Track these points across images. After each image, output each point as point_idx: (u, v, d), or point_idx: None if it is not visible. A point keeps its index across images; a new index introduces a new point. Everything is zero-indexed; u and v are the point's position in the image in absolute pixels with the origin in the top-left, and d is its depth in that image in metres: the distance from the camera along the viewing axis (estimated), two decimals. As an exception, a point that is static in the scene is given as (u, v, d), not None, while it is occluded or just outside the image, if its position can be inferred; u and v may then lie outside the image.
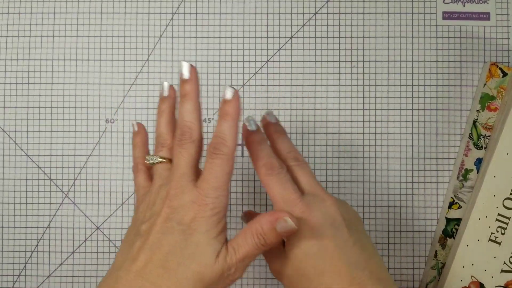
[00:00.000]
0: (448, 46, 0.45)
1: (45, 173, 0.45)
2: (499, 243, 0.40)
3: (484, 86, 0.44)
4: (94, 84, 0.45)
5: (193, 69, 0.31)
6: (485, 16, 0.45)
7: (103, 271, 0.44)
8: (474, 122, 0.44)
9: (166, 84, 0.35)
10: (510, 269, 0.40)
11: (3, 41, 0.46)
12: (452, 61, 0.45)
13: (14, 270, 0.45)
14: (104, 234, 0.44)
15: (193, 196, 0.29)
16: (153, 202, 0.31)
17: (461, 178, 0.44)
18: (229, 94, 0.30)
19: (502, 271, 0.40)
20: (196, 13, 0.46)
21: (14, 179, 0.45)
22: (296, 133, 0.45)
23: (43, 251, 0.45)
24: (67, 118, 0.45)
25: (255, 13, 0.46)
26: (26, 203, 0.45)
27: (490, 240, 0.41)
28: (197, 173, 0.31)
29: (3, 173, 0.45)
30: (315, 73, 0.45)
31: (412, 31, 0.45)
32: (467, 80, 0.45)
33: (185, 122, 0.31)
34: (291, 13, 0.46)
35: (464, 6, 0.46)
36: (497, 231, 0.40)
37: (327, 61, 0.45)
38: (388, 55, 0.45)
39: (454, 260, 0.41)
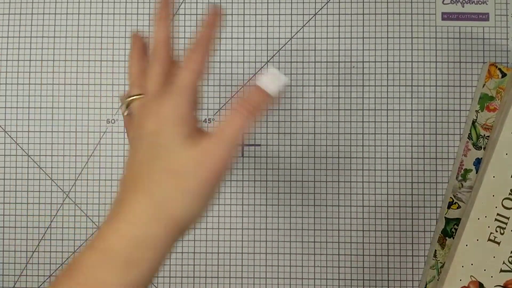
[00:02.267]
0: (447, 46, 0.45)
1: (46, 173, 0.45)
2: (498, 243, 0.41)
3: (483, 86, 0.44)
4: (95, 85, 0.46)
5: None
6: (484, 17, 0.46)
7: (104, 271, 0.44)
8: (473, 122, 0.44)
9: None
10: (509, 269, 0.40)
11: (4, 41, 0.46)
12: (451, 62, 0.45)
13: (16, 270, 0.45)
14: (105, 234, 0.45)
15: (165, 97, 0.29)
16: (142, 110, 0.30)
17: (460, 178, 0.44)
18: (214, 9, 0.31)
19: (501, 270, 0.41)
20: (196, 14, 0.46)
21: (16, 179, 0.45)
22: (296, 133, 0.45)
23: (44, 251, 0.45)
24: (68, 119, 0.45)
25: (255, 14, 0.46)
26: (27, 203, 0.45)
27: (489, 240, 0.41)
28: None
29: (4, 173, 0.45)
30: (314, 74, 0.45)
31: (412, 31, 0.46)
32: (466, 80, 0.45)
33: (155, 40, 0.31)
34: (291, 14, 0.46)
35: (463, 7, 0.46)
36: (496, 231, 0.41)
37: (326, 62, 0.45)
38: (387, 55, 0.45)
39: (454, 260, 0.41)
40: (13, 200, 0.45)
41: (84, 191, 0.45)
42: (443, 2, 0.46)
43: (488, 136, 0.43)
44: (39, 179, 0.45)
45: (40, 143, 0.45)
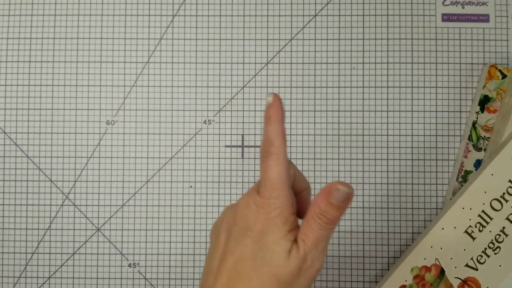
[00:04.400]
0: (447, 48, 0.45)
1: (45, 175, 0.45)
2: (473, 238, 0.40)
3: (484, 88, 0.44)
4: (95, 86, 0.46)
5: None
6: (485, 18, 0.46)
7: (103, 273, 0.44)
8: (474, 123, 0.44)
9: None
10: (474, 267, 0.40)
11: (3, 43, 0.46)
12: (451, 63, 0.45)
13: (15, 272, 0.45)
14: (105, 236, 0.45)
15: (256, 201, 0.30)
16: (242, 213, 0.32)
17: (460, 179, 0.44)
18: (270, 98, 0.31)
19: (467, 265, 0.40)
20: (196, 15, 0.46)
21: (15, 180, 0.45)
22: (296, 134, 0.45)
23: (44, 253, 0.45)
24: (68, 120, 0.45)
25: (255, 15, 0.46)
26: (27, 205, 0.45)
27: (466, 232, 0.40)
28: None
29: (3, 174, 0.45)
30: (315, 75, 0.45)
31: (412, 33, 0.45)
32: (466, 82, 0.45)
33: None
34: (291, 15, 0.46)
35: (463, 8, 0.46)
36: (476, 227, 0.40)
37: (326, 63, 0.45)
38: (387, 57, 0.45)
39: (425, 238, 0.41)
40: (13, 202, 0.45)
41: (83, 192, 0.45)
42: (443, 3, 0.46)
43: (489, 138, 0.43)
44: (39, 181, 0.45)
45: (39, 145, 0.45)
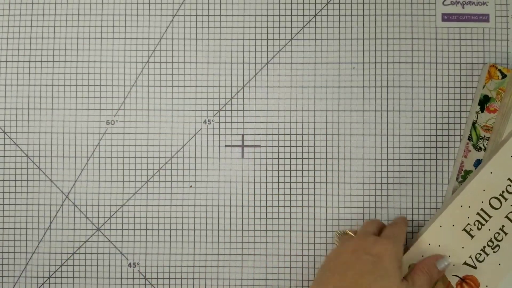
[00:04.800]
0: (447, 47, 0.45)
1: (45, 175, 0.45)
2: (472, 236, 0.40)
3: (484, 87, 0.44)
4: (95, 86, 0.46)
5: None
6: (485, 18, 0.46)
7: (103, 272, 0.44)
8: (474, 123, 0.44)
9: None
10: (473, 265, 0.40)
11: (3, 42, 0.46)
12: (451, 63, 0.45)
13: (15, 271, 0.45)
14: (105, 236, 0.45)
15: (376, 240, 0.38)
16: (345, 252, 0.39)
17: (460, 179, 0.44)
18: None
19: (465, 263, 0.40)
20: (196, 15, 0.46)
21: (15, 180, 0.45)
22: (296, 134, 0.45)
23: (44, 252, 0.45)
24: (68, 120, 0.45)
25: (255, 15, 0.46)
26: (27, 205, 0.45)
27: (464, 230, 0.40)
28: None
29: (3, 174, 0.45)
30: (314, 75, 0.45)
31: (412, 33, 0.45)
32: (466, 81, 0.45)
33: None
34: (291, 15, 0.46)
35: (463, 8, 0.46)
36: (474, 225, 0.40)
37: (326, 63, 0.45)
38: (387, 56, 0.45)
39: (424, 234, 0.41)
40: (13, 201, 0.45)
41: (83, 192, 0.45)
42: (443, 3, 0.46)
43: (489, 137, 0.43)
44: (39, 180, 0.45)
45: (39, 144, 0.45)
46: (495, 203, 0.40)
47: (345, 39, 0.46)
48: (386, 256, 0.36)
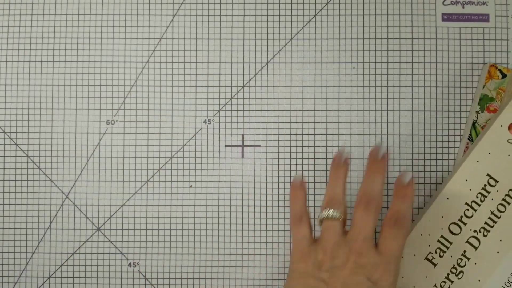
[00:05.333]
0: (447, 47, 0.45)
1: (45, 174, 0.45)
2: (435, 264, 0.39)
3: (483, 87, 0.44)
4: (95, 86, 0.46)
5: (386, 154, 0.37)
6: (485, 18, 0.46)
7: (103, 272, 0.44)
8: (474, 123, 0.44)
9: (340, 154, 0.39)
10: None
11: (3, 42, 0.46)
12: (451, 63, 0.45)
13: (15, 271, 0.45)
14: (105, 235, 0.45)
15: (378, 260, 0.34)
16: (334, 256, 0.35)
17: (460, 179, 0.44)
18: (407, 179, 0.36)
19: None
20: (196, 15, 0.46)
21: (15, 180, 0.45)
22: (296, 134, 0.45)
23: (44, 252, 0.45)
24: (68, 120, 0.45)
25: (255, 15, 0.46)
26: (27, 204, 0.45)
27: (426, 258, 0.39)
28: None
29: (3, 174, 0.45)
30: (315, 75, 0.45)
31: (412, 32, 0.46)
32: (466, 81, 0.45)
33: (373, 192, 0.35)
34: (291, 15, 0.46)
35: (463, 7, 0.46)
36: (436, 252, 0.39)
37: (326, 63, 0.45)
38: (387, 56, 0.45)
39: None
40: (13, 201, 0.45)
41: (83, 192, 0.45)
42: (443, 3, 0.46)
43: (489, 137, 0.43)
44: (39, 180, 0.45)
45: (39, 144, 0.45)
46: (455, 229, 0.40)
47: (345, 39, 0.46)
48: (385, 286, 0.34)
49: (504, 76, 0.43)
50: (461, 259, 0.39)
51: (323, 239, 0.36)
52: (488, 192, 0.40)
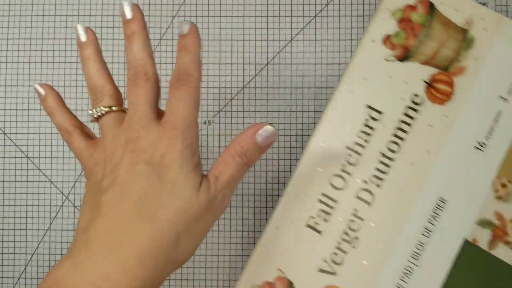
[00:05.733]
0: (447, 48, 0.45)
1: (45, 176, 0.45)
2: (319, 232, 0.30)
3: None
4: (95, 87, 0.46)
5: (135, 7, 0.29)
6: (485, 19, 0.46)
7: (103, 273, 0.44)
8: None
9: (80, 27, 0.31)
10: (331, 271, 0.30)
11: (3, 43, 0.46)
12: (451, 64, 0.45)
13: (15, 272, 0.45)
14: (104, 236, 0.45)
15: (160, 132, 0.27)
16: (111, 154, 0.27)
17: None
18: (187, 27, 0.28)
19: (321, 270, 0.30)
20: (196, 16, 0.46)
21: (15, 181, 0.45)
22: (296, 135, 0.45)
23: (44, 253, 0.45)
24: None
25: (255, 16, 0.46)
26: (27, 205, 0.45)
27: (308, 226, 0.31)
28: (158, 114, 0.29)
29: (3, 175, 0.45)
30: (315, 76, 0.45)
31: (412, 33, 0.45)
32: (466, 82, 0.45)
33: (137, 61, 0.28)
34: (291, 16, 0.46)
35: (463, 8, 0.46)
36: (319, 216, 0.30)
37: (327, 64, 0.45)
38: None
39: (259, 244, 0.31)
40: (12, 202, 0.45)
41: (83, 193, 0.45)
42: (443, 4, 0.46)
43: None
44: (38, 181, 0.45)
45: (39, 145, 0.45)
46: (338, 182, 0.31)
47: (345, 39, 0.46)
48: (172, 162, 0.26)
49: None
50: (353, 221, 0.30)
51: (99, 142, 0.29)
52: (372, 129, 0.31)
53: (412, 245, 0.29)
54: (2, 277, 0.45)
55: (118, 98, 0.30)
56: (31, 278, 0.44)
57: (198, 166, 0.27)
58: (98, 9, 0.46)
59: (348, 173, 0.31)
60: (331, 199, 0.31)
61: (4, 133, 0.45)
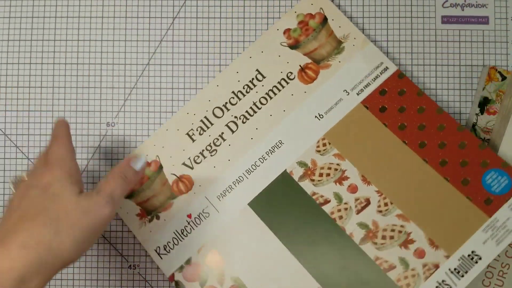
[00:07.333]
0: (447, 50, 0.45)
1: (46, 177, 0.45)
2: (193, 140, 0.44)
3: (483, 89, 0.44)
4: (95, 88, 0.46)
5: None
6: (484, 20, 0.46)
7: (103, 274, 0.44)
8: (474, 125, 0.44)
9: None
10: (190, 166, 0.43)
11: (4, 45, 0.46)
12: (451, 65, 0.45)
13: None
14: (104, 237, 0.45)
15: (44, 169, 0.35)
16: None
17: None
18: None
19: (184, 164, 0.43)
20: (197, 17, 0.46)
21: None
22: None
23: (44, 254, 0.45)
24: (68, 122, 0.45)
25: (255, 17, 0.46)
26: (27, 207, 0.45)
27: (187, 134, 0.44)
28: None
29: (4, 176, 0.45)
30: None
31: (411, 35, 0.46)
32: (466, 83, 0.45)
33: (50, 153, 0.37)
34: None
35: (463, 10, 0.46)
36: (197, 130, 0.44)
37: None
38: (387, 58, 0.45)
39: (150, 137, 0.44)
40: (13, 203, 0.45)
41: (84, 194, 0.45)
42: (442, 5, 0.46)
43: (489, 139, 0.43)
44: (39, 182, 0.45)
45: (40, 146, 0.45)
46: (218, 112, 0.44)
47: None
48: (55, 182, 0.34)
49: (504, 78, 0.43)
50: (218, 139, 0.44)
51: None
52: (254, 85, 0.44)
53: (249, 164, 0.43)
54: (2, 278, 0.44)
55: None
56: (32, 279, 0.44)
57: (78, 184, 0.35)
58: (98, 10, 0.46)
59: (227, 109, 0.44)
60: (209, 122, 0.44)
61: (5, 134, 0.45)
